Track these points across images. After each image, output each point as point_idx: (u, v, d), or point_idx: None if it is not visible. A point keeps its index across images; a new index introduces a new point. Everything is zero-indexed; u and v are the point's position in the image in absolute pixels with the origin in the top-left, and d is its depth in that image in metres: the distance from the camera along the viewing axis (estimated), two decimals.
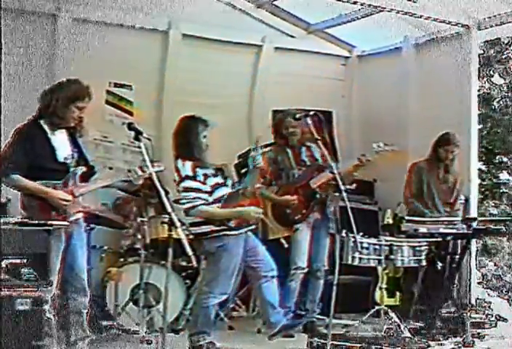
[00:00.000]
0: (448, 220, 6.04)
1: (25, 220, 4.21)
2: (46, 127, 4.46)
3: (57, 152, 4.45)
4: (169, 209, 4.18)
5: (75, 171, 4.47)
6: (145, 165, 4.36)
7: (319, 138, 4.93)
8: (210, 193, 5.01)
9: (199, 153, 5.06)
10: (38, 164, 4.36)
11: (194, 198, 4.94)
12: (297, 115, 5.39)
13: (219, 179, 5.12)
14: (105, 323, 5.46)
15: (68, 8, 6.43)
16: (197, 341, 5.07)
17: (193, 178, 4.98)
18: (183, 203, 4.96)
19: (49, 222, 4.20)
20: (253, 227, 5.22)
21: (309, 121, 5.12)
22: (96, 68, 6.37)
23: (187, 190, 4.98)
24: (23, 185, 4.34)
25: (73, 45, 6.45)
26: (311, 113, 5.21)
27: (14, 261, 4.09)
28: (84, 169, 4.53)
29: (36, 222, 4.18)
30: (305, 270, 5.87)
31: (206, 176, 5.03)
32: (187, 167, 5.00)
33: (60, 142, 4.49)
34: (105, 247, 6.09)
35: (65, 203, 4.35)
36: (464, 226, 5.86)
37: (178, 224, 4.18)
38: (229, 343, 5.34)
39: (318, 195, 5.84)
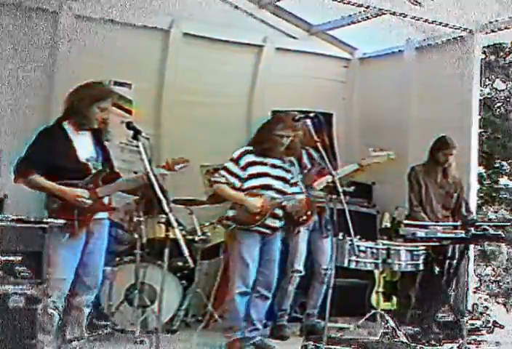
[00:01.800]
0: (447, 225, 6.01)
1: (22, 217, 4.20)
2: (68, 128, 4.49)
3: (78, 152, 4.46)
4: (167, 209, 4.15)
5: (98, 173, 4.49)
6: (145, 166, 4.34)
7: (318, 140, 4.90)
8: (243, 180, 5.14)
9: (268, 145, 5.20)
10: (59, 164, 4.38)
11: (223, 176, 5.14)
12: (297, 117, 5.37)
13: (273, 172, 5.24)
14: (98, 322, 5.43)
15: (70, 5, 6.40)
16: (230, 337, 5.12)
17: (235, 162, 5.16)
18: (214, 177, 5.23)
19: (45, 220, 4.22)
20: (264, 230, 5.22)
21: (309, 122, 5.09)
22: (96, 66, 6.35)
23: (222, 168, 5.20)
24: (42, 186, 4.35)
25: (74, 42, 6.43)
26: (311, 114, 5.18)
27: (9, 258, 4.07)
28: (107, 171, 4.55)
29: (32, 219, 4.18)
30: (302, 273, 5.84)
31: (250, 164, 5.17)
32: (236, 152, 5.21)
33: (82, 144, 4.52)
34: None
35: (83, 200, 4.35)
36: (462, 231, 5.83)
37: (175, 224, 4.15)
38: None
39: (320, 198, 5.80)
